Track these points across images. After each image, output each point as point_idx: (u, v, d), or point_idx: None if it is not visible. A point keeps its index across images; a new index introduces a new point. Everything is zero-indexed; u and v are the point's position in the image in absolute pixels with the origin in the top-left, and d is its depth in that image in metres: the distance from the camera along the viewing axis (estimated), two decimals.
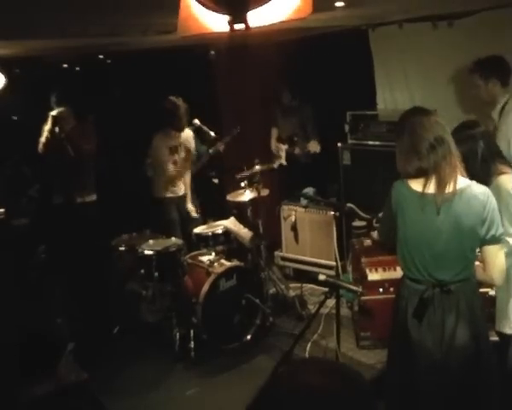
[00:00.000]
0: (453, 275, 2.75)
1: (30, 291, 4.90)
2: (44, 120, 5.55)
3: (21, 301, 4.57)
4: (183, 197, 6.04)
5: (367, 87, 6.23)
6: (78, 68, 6.98)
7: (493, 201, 2.75)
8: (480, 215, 2.69)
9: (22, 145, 5.89)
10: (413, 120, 2.88)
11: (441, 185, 2.72)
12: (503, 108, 4.54)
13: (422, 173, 2.79)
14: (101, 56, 6.85)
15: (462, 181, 2.75)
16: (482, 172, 3.10)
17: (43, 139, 5.50)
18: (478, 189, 2.74)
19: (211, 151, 6.12)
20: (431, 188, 2.74)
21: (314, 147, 6.56)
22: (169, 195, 5.95)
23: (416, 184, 2.80)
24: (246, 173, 5.49)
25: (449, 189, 2.71)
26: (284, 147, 6.74)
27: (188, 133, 5.93)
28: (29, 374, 3.93)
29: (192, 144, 6.00)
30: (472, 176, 2.81)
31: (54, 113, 5.50)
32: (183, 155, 5.91)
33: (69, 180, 5.63)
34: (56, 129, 5.47)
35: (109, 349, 5.04)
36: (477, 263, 2.88)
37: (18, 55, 5.64)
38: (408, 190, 2.82)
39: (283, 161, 6.70)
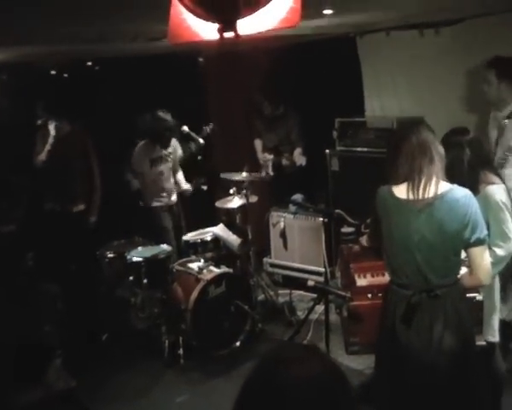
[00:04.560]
0: (439, 279, 2.77)
1: (18, 298, 4.87)
2: (33, 130, 5.53)
3: (10, 308, 4.54)
4: (176, 205, 6.06)
5: (355, 94, 6.27)
6: (66, 75, 6.97)
7: (475, 203, 2.76)
8: (463, 219, 2.71)
9: (9, 152, 5.85)
10: (401, 131, 2.94)
11: (420, 191, 2.75)
12: (510, 113, 4.50)
13: (404, 180, 2.82)
14: (89, 63, 6.85)
15: (444, 185, 2.78)
16: (469, 179, 3.13)
17: (42, 157, 5.48)
18: (459, 192, 2.75)
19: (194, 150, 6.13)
20: (412, 194, 2.78)
21: (300, 159, 6.60)
22: (158, 204, 5.92)
23: (399, 191, 2.84)
24: (233, 177, 5.49)
25: (429, 194, 2.74)
26: (270, 157, 6.74)
27: (173, 142, 5.94)
28: (17, 381, 3.91)
29: (179, 151, 6.02)
30: (459, 183, 2.83)
31: (53, 132, 5.47)
32: (170, 165, 5.92)
33: (61, 188, 5.62)
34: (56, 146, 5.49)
35: (98, 357, 5.01)
36: (463, 270, 2.90)
37: (6, 61, 5.62)
38: (391, 196, 2.86)
39: (270, 172, 6.71)
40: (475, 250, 2.77)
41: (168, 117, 5.66)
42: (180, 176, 6.12)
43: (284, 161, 6.70)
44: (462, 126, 3.47)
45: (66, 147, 5.59)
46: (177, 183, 6.07)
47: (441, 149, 2.85)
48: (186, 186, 6.09)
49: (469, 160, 3.21)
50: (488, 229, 3.12)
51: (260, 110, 6.70)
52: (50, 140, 5.46)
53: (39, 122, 5.58)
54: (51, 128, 5.46)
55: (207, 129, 5.92)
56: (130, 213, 5.99)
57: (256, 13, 1.60)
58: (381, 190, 2.94)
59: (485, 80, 4.60)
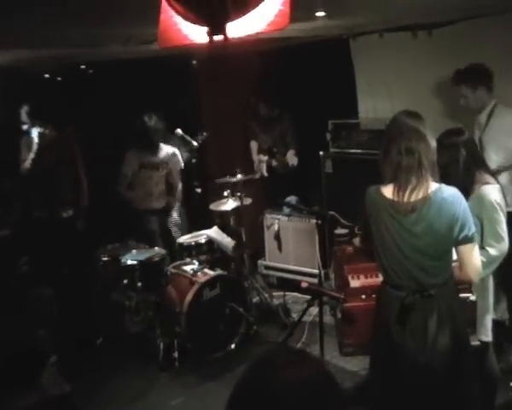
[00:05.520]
0: (431, 279, 2.78)
1: (12, 303, 4.86)
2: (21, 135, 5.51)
3: (4, 312, 4.53)
4: (164, 211, 6.05)
5: (348, 96, 6.28)
6: (59, 78, 6.97)
7: (463, 201, 2.75)
8: (451, 217, 2.70)
9: (2, 156, 5.84)
10: (392, 125, 2.91)
11: (407, 194, 2.74)
12: (491, 112, 4.55)
13: (390, 181, 2.82)
14: (83, 66, 6.85)
15: (432, 185, 2.76)
16: (465, 179, 3.14)
17: (27, 165, 5.44)
18: (447, 191, 2.74)
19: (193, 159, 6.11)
20: (400, 195, 2.77)
21: (292, 160, 6.61)
22: (146, 207, 5.92)
23: (388, 191, 2.82)
24: (227, 180, 5.48)
25: (417, 196, 2.73)
26: (265, 158, 6.76)
27: (169, 150, 5.91)
28: (12, 386, 3.90)
29: (174, 161, 5.97)
30: (454, 184, 2.83)
31: (36, 140, 5.42)
32: (163, 172, 5.90)
33: (50, 193, 5.60)
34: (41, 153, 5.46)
35: (93, 361, 5.00)
36: (454, 264, 2.90)
37: None
38: (379, 196, 2.84)
39: (264, 173, 6.71)
40: (463, 248, 2.77)
41: (152, 122, 5.63)
42: (179, 193, 6.11)
43: (274, 163, 6.72)
44: (457, 127, 3.48)
45: (52, 153, 5.53)
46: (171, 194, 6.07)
47: (433, 145, 2.79)
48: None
49: (465, 160, 3.21)
50: (482, 229, 3.14)
51: (256, 112, 6.72)
52: (34, 148, 5.40)
53: (25, 128, 5.52)
54: (34, 136, 5.41)
55: (200, 139, 5.87)
56: (125, 217, 5.98)
57: (245, 16, 1.61)
58: (370, 191, 2.92)
59: (460, 95, 4.65)
